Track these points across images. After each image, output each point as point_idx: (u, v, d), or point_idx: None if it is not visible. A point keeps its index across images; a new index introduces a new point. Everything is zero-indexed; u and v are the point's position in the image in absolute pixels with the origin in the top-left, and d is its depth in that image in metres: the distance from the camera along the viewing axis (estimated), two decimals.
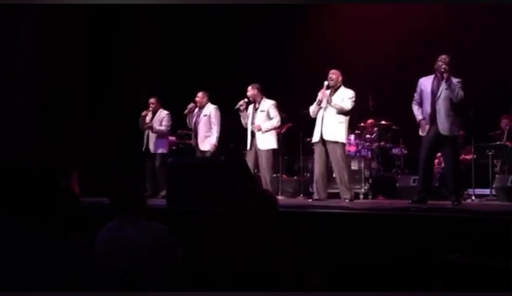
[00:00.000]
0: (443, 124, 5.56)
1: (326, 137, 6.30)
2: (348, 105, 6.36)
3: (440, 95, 5.60)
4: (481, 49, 8.33)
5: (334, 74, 6.43)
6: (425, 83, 5.75)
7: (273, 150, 6.96)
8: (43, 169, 1.70)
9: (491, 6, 8.03)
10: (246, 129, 7.01)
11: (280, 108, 8.00)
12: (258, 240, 1.99)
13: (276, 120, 6.95)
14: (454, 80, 5.56)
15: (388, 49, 8.88)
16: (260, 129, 6.84)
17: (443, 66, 5.55)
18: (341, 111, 6.34)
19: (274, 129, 7.02)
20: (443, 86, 5.58)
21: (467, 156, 7.68)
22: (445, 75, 5.54)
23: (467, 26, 8.50)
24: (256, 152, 6.87)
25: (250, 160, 6.69)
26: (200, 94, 7.56)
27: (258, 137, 6.86)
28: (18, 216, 1.64)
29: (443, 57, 5.63)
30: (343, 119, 6.40)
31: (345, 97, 6.36)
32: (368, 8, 9.14)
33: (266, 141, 6.87)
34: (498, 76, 8.00)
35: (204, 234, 2.07)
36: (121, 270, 2.52)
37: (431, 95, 5.65)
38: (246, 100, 6.96)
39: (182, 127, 8.39)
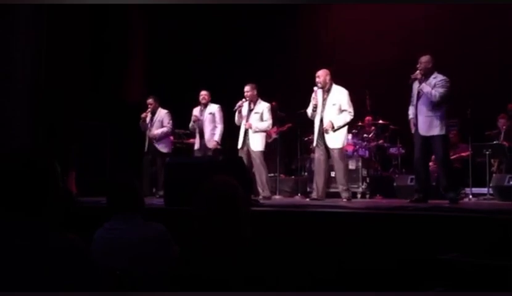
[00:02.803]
0: (422, 125, 5.67)
1: (328, 145, 6.30)
2: (347, 118, 6.34)
3: (420, 97, 5.71)
4: (479, 49, 8.34)
5: (320, 77, 6.38)
6: (415, 86, 5.85)
7: (263, 152, 6.99)
8: (40, 169, 1.69)
9: (491, 6, 8.04)
10: (239, 128, 7.06)
11: (279, 108, 8.02)
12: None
13: (267, 123, 7.02)
14: (435, 80, 5.63)
15: (387, 48, 8.89)
16: (250, 127, 6.88)
17: (419, 68, 5.69)
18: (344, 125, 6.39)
19: (265, 131, 7.06)
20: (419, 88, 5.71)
21: (463, 154, 7.70)
22: (418, 77, 5.67)
23: (467, 26, 8.51)
24: (249, 152, 6.90)
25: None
26: (206, 93, 7.58)
27: (251, 138, 6.89)
28: (14, 215, 1.63)
29: (422, 59, 5.74)
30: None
31: (342, 104, 6.30)
32: (367, 8, 9.16)
33: (258, 143, 6.92)
34: (496, 76, 8.03)
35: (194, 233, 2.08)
36: (119, 269, 2.51)
37: (416, 97, 5.77)
38: (244, 100, 6.97)
39: (179, 127, 8.39)
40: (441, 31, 8.64)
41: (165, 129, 7.72)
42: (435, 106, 5.61)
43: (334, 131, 6.25)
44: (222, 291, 1.85)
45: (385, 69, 8.76)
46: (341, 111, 6.33)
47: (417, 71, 5.70)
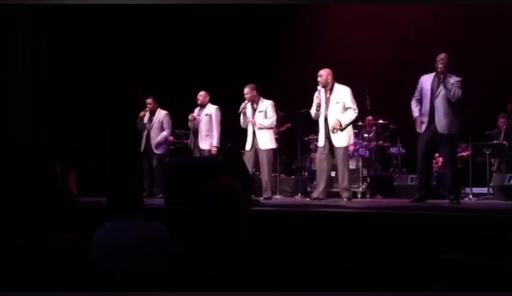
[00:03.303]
0: (441, 123, 5.58)
1: (335, 144, 6.29)
2: (352, 116, 6.34)
3: (438, 94, 5.63)
4: (479, 49, 8.35)
5: (322, 76, 6.38)
6: (426, 81, 5.77)
7: (273, 149, 7.00)
8: (40, 169, 1.69)
9: (492, 6, 8.04)
10: (245, 130, 7.03)
11: (279, 107, 8.04)
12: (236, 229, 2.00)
13: (271, 120, 6.99)
14: (453, 79, 5.58)
15: (387, 48, 8.89)
16: (255, 124, 6.87)
17: (440, 66, 5.60)
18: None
19: (270, 128, 7.04)
20: (442, 85, 5.62)
21: (463, 153, 7.70)
22: (441, 76, 5.59)
23: (467, 26, 8.51)
24: (256, 151, 6.89)
25: (249, 160, 6.70)
26: (202, 93, 7.56)
27: (259, 137, 6.87)
28: (14, 215, 1.63)
29: (441, 56, 5.65)
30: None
31: (346, 102, 6.30)
32: (367, 8, 9.16)
33: (267, 141, 6.90)
34: (496, 75, 8.03)
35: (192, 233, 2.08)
36: (119, 269, 2.51)
37: (430, 93, 5.67)
38: (247, 101, 6.96)
39: (179, 127, 8.38)
40: (441, 31, 8.64)
41: (164, 134, 7.69)
42: (452, 104, 5.58)
43: (342, 129, 6.25)
44: (223, 291, 1.86)
45: (385, 69, 8.77)
46: (345, 109, 6.32)
47: (441, 66, 5.60)
